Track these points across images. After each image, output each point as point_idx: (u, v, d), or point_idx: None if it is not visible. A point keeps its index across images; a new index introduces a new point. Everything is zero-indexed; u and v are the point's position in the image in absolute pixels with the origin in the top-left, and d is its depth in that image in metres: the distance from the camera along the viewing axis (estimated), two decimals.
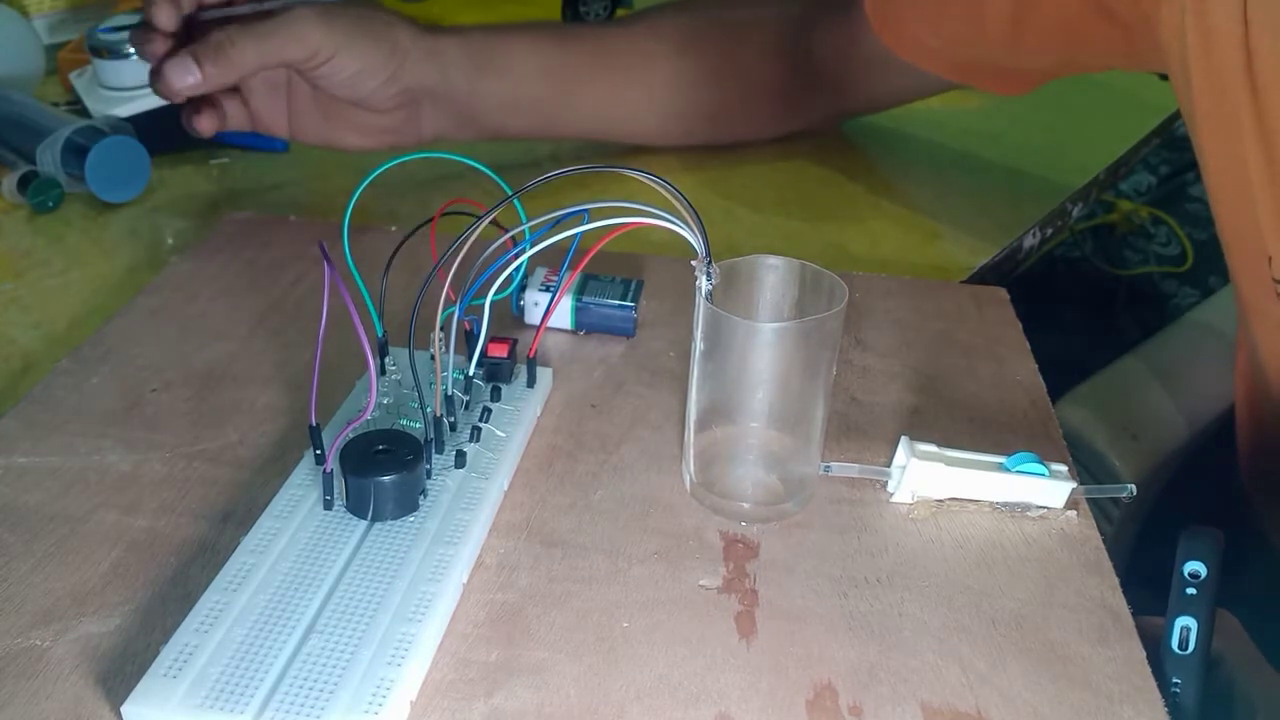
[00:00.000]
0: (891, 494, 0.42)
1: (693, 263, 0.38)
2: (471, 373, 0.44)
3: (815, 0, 0.72)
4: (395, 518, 0.38)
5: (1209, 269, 1.20)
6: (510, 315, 0.52)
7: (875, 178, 0.75)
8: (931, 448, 0.42)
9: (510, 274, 0.44)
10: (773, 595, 0.38)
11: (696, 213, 0.37)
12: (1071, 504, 0.42)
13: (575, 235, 0.42)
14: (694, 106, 0.71)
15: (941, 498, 0.42)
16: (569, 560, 0.39)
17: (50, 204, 0.66)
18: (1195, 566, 0.43)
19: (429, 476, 0.40)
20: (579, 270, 0.50)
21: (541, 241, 0.40)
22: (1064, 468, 0.42)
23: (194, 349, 0.50)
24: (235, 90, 0.61)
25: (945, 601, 0.38)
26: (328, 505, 0.38)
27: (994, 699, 0.34)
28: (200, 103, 0.59)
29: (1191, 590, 0.42)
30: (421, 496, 0.39)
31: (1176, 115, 0.84)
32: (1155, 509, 0.71)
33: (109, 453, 0.43)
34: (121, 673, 0.34)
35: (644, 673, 0.35)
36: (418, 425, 0.42)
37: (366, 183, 0.49)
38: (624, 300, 0.51)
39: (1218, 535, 0.43)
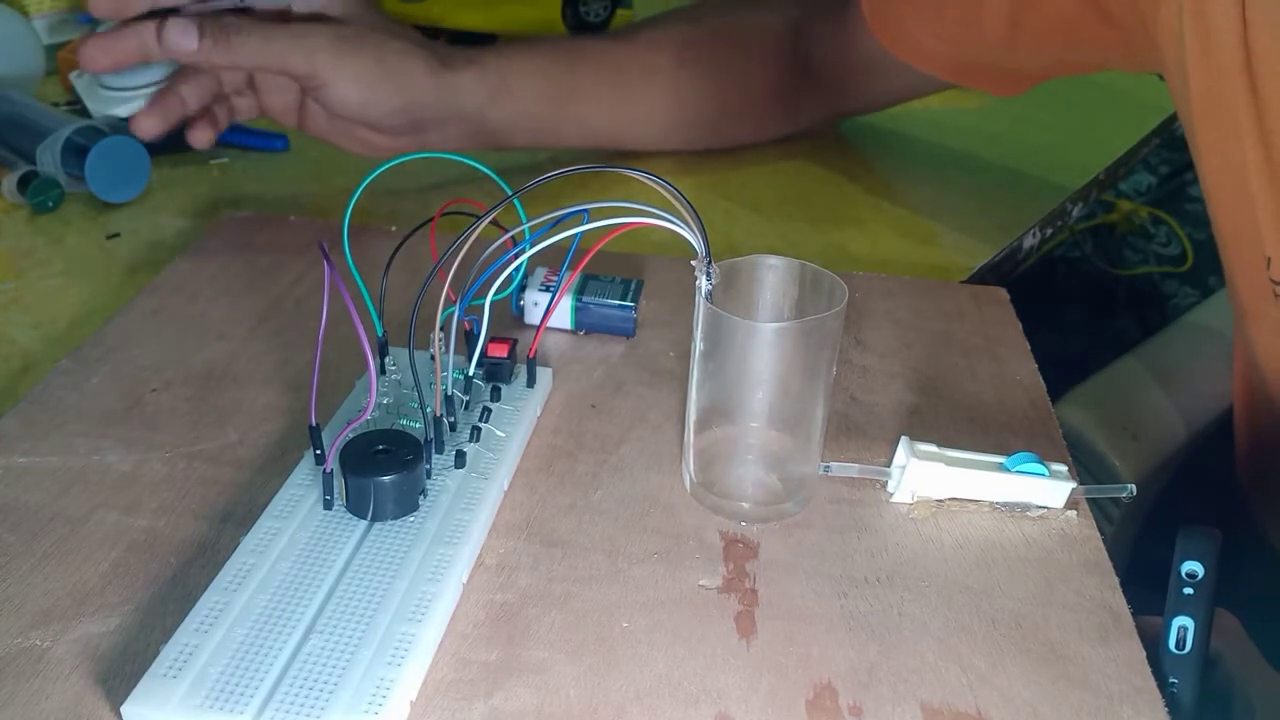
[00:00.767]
0: (891, 494, 0.42)
1: (693, 263, 0.38)
2: (471, 373, 0.44)
3: (812, 2, 0.72)
4: (395, 518, 0.38)
5: (1209, 269, 1.20)
6: (510, 315, 0.52)
7: (875, 178, 0.75)
8: (931, 448, 0.42)
9: (510, 274, 0.44)
10: (772, 595, 0.38)
11: (696, 213, 0.37)
12: (1071, 504, 0.42)
13: (575, 235, 0.42)
14: (696, 115, 0.71)
15: (941, 498, 0.42)
16: (569, 560, 0.39)
17: (50, 204, 0.66)
18: (1193, 566, 0.43)
19: (429, 476, 0.40)
20: (579, 270, 0.50)
21: (541, 241, 0.40)
22: (1064, 468, 0.42)
23: (194, 349, 0.50)
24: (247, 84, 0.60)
25: (945, 601, 0.38)
26: (328, 505, 0.38)
27: (994, 699, 0.34)
28: (197, 116, 0.59)
29: (1189, 590, 0.42)
30: (421, 496, 0.39)
31: (1176, 115, 0.84)
32: (1155, 509, 0.71)
33: (109, 453, 0.43)
34: (121, 673, 0.34)
35: (644, 673, 0.35)
36: (418, 425, 0.42)
37: (366, 182, 0.49)
38: (624, 300, 0.51)
39: (1215, 535, 0.43)
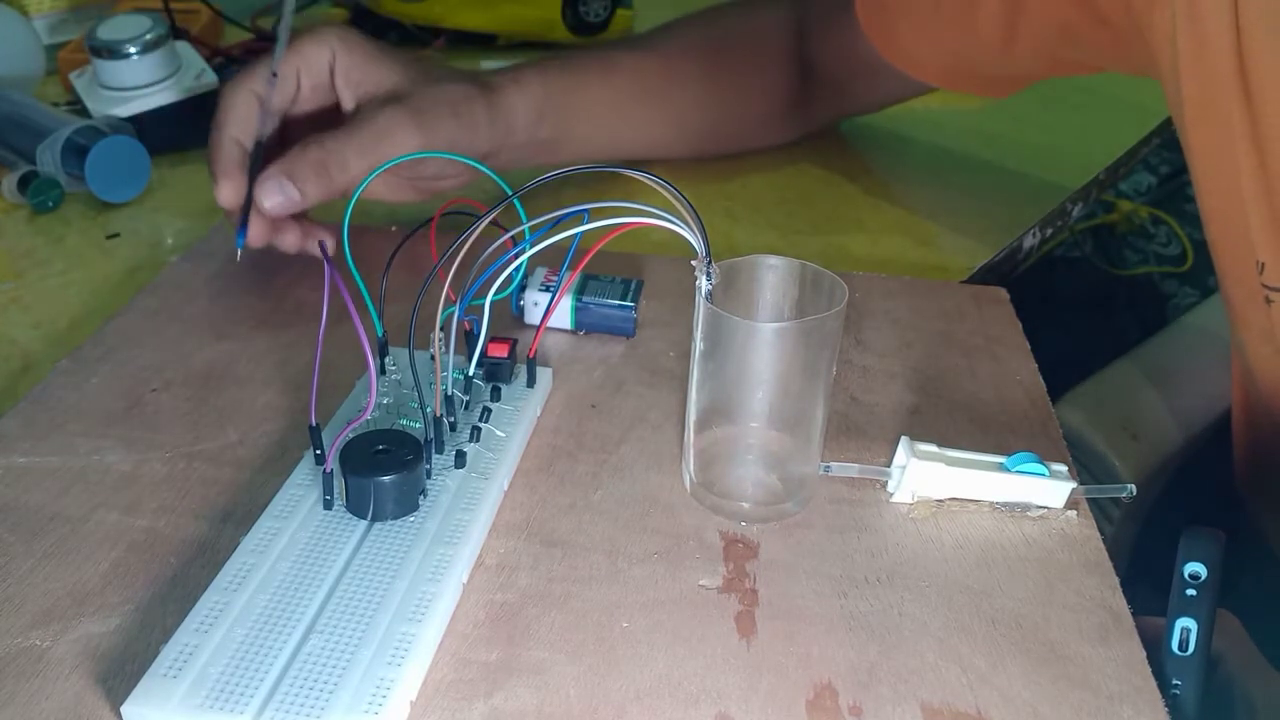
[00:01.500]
0: (891, 494, 0.42)
1: (693, 262, 0.38)
2: (471, 373, 0.44)
3: (808, 7, 0.72)
4: (395, 518, 0.38)
5: (1209, 269, 1.20)
6: (510, 315, 0.52)
7: (875, 178, 0.75)
8: (931, 447, 0.42)
9: (510, 274, 0.44)
10: (772, 595, 0.38)
11: (696, 212, 0.37)
12: (1071, 504, 0.42)
13: (575, 235, 0.42)
14: (722, 122, 0.72)
15: (941, 498, 0.42)
16: (569, 560, 0.39)
17: (50, 204, 0.66)
18: (1195, 567, 0.43)
19: (429, 476, 0.40)
20: (579, 270, 0.50)
21: (541, 241, 0.40)
22: (1064, 468, 0.42)
23: (194, 349, 0.50)
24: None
25: (945, 601, 0.38)
26: (328, 505, 0.38)
27: (994, 699, 0.34)
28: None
29: (1191, 591, 0.42)
30: (421, 496, 0.39)
31: None
32: (1155, 509, 0.71)
33: (109, 453, 0.43)
34: (121, 673, 0.34)
35: (644, 673, 0.35)
36: (417, 425, 0.42)
37: (366, 182, 0.49)
38: (624, 300, 0.51)
39: (1219, 536, 0.43)
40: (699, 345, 0.40)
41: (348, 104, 0.56)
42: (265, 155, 0.53)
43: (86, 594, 0.37)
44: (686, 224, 0.37)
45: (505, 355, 0.46)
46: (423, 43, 0.97)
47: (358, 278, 0.44)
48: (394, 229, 0.59)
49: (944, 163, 0.78)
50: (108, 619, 0.36)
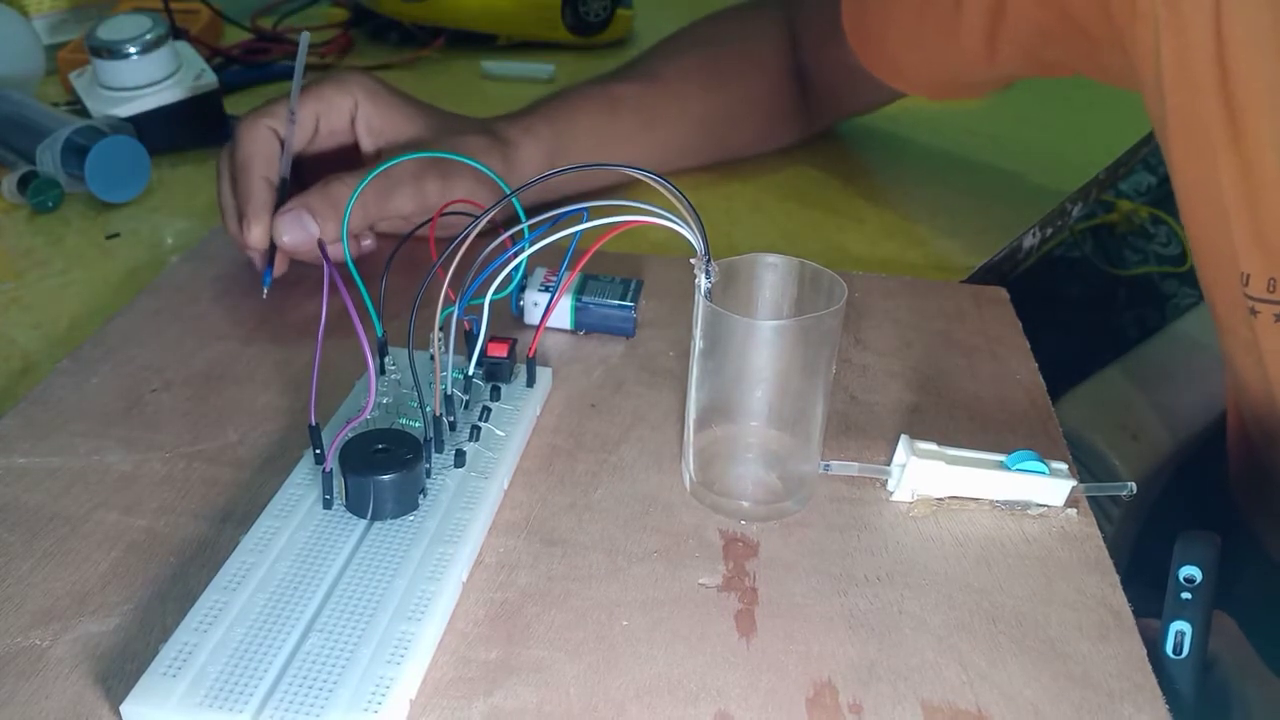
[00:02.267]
0: (891, 492, 0.42)
1: (692, 261, 0.38)
2: (471, 372, 0.44)
3: (798, 15, 0.72)
4: (395, 517, 0.38)
5: None
6: (510, 315, 0.52)
7: (875, 178, 0.75)
8: (931, 446, 0.42)
9: (509, 273, 0.44)
10: (772, 593, 0.38)
11: (695, 211, 0.37)
12: (1072, 502, 0.42)
13: (574, 234, 0.42)
14: (719, 140, 0.72)
15: (941, 496, 0.42)
16: (569, 559, 0.39)
17: (50, 204, 0.66)
18: (1191, 571, 0.42)
19: (428, 476, 0.40)
20: (578, 270, 0.50)
21: (540, 241, 0.40)
22: (1064, 466, 0.42)
23: (194, 349, 0.50)
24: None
25: (945, 599, 0.38)
26: (327, 504, 0.38)
27: (994, 696, 0.34)
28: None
29: (1186, 595, 0.42)
30: (421, 495, 0.39)
31: None
32: (1156, 508, 0.71)
33: (109, 453, 0.43)
34: (121, 672, 0.34)
35: (643, 671, 0.35)
36: (417, 425, 0.42)
37: (365, 182, 0.49)
38: (623, 300, 0.51)
39: (1214, 539, 0.43)
40: (698, 343, 0.40)
41: (368, 150, 0.57)
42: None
43: (86, 593, 0.37)
44: (686, 222, 0.37)
45: (505, 355, 0.46)
46: (422, 43, 0.97)
47: (357, 278, 0.44)
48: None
49: (944, 163, 0.78)
50: (107, 618, 0.36)
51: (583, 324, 0.52)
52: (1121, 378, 0.77)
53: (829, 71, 0.71)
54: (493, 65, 0.93)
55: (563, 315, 0.52)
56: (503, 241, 0.40)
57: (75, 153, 0.65)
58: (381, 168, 0.49)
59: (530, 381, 0.46)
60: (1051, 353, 0.54)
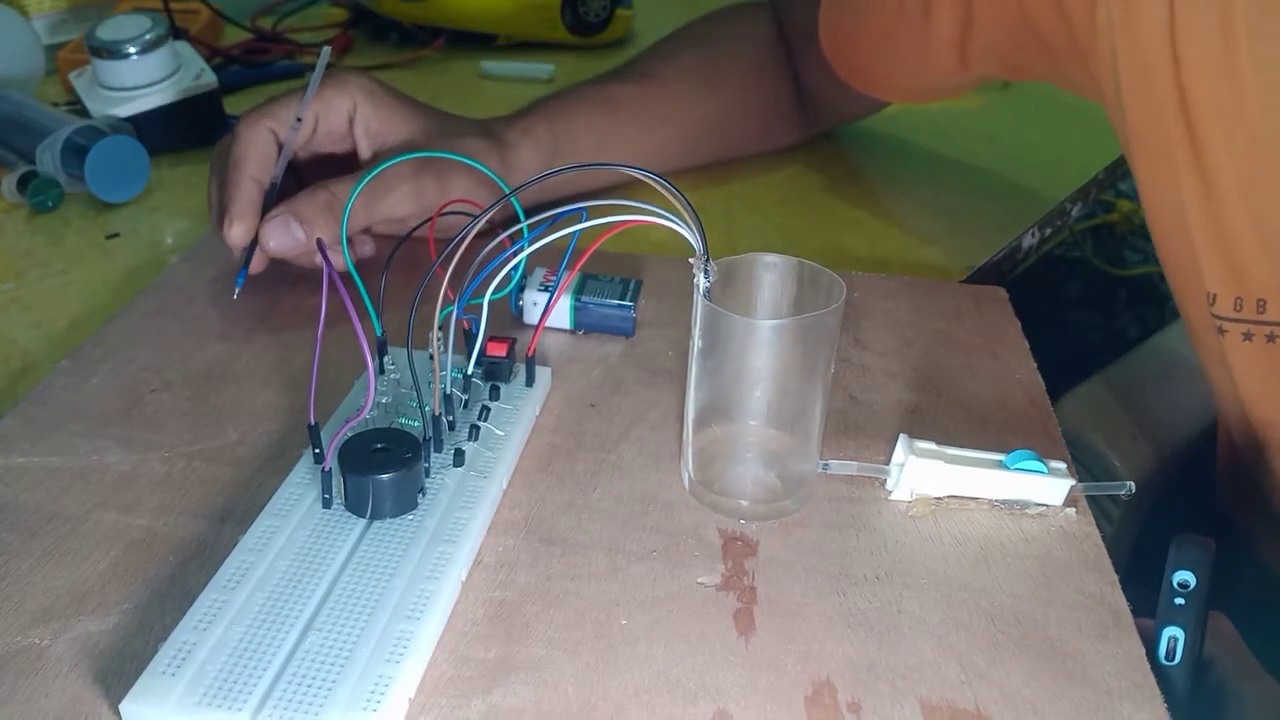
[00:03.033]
0: (890, 491, 0.42)
1: (691, 260, 0.38)
2: (470, 372, 0.44)
3: (787, 17, 0.73)
4: (394, 516, 0.38)
5: None
6: (509, 315, 0.52)
7: (874, 178, 0.76)
8: (930, 445, 0.42)
9: (509, 273, 0.44)
10: (771, 592, 0.38)
11: (695, 211, 0.37)
12: (1070, 501, 0.42)
13: (573, 234, 0.42)
14: (719, 140, 0.73)
15: (940, 495, 0.42)
16: (568, 558, 0.39)
17: (50, 204, 0.66)
18: (1184, 576, 0.42)
19: (428, 475, 0.40)
20: (577, 269, 0.50)
21: (539, 240, 0.40)
22: (1063, 465, 0.42)
23: (194, 349, 0.50)
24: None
25: (944, 598, 0.38)
26: (326, 504, 0.38)
27: (993, 695, 0.34)
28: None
29: (1180, 600, 0.42)
30: (420, 495, 0.39)
31: None
32: (1156, 508, 0.71)
33: (108, 453, 0.43)
34: (120, 671, 0.34)
35: (642, 670, 0.35)
36: (416, 424, 0.42)
37: (365, 182, 0.49)
38: (623, 300, 0.51)
39: (1209, 544, 0.43)
40: (697, 343, 0.40)
41: (364, 153, 0.57)
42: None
43: (85, 593, 0.37)
44: (685, 222, 0.37)
45: (504, 354, 0.46)
46: (422, 43, 0.97)
47: (356, 277, 0.44)
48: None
49: (943, 163, 0.78)
50: (106, 617, 0.36)
51: (582, 323, 0.52)
52: (1121, 378, 0.76)
53: (816, 78, 0.72)
54: (492, 65, 0.94)
55: (562, 315, 0.52)
56: (502, 241, 0.40)
57: (75, 153, 0.66)
58: (378, 169, 0.49)
59: (529, 381, 0.46)
60: (1051, 353, 0.54)
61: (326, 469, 0.38)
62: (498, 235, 0.40)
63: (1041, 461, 0.42)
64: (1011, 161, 0.78)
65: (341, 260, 0.50)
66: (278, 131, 0.54)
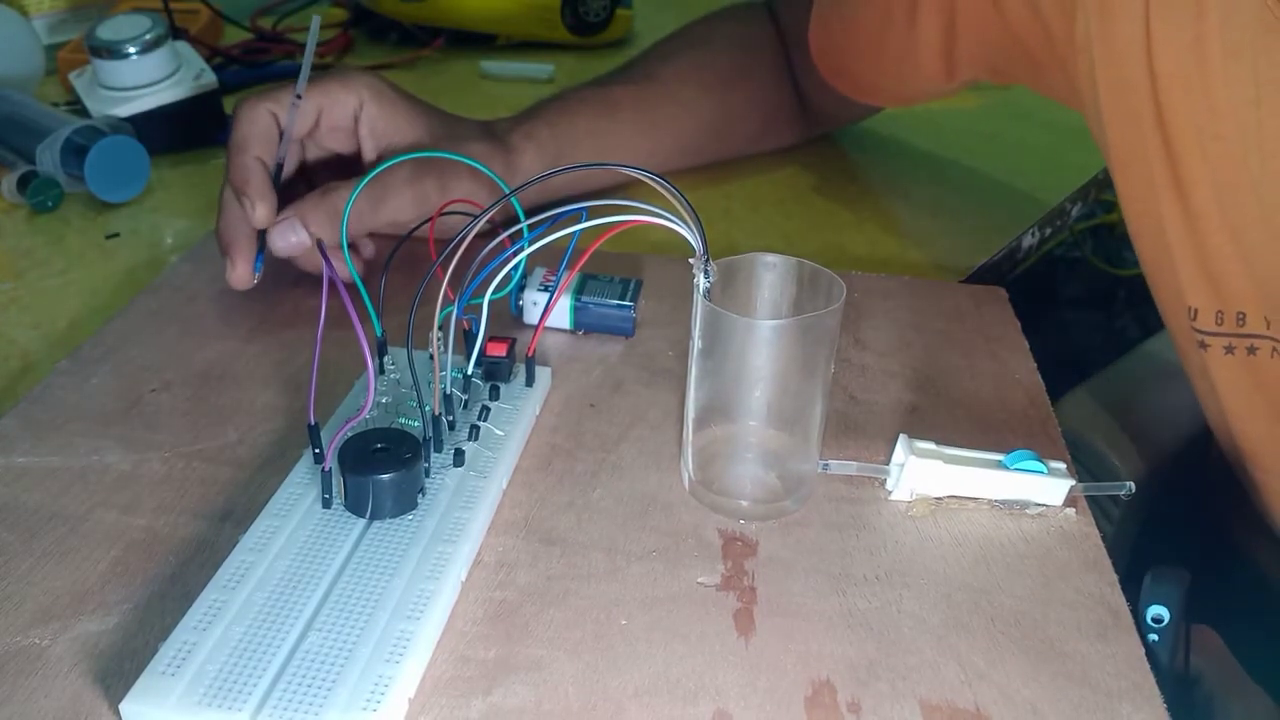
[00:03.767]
0: (890, 492, 0.42)
1: (691, 260, 0.38)
2: (470, 372, 0.44)
3: (783, 19, 0.73)
4: (394, 516, 0.38)
5: None
6: (509, 315, 0.52)
7: (873, 178, 0.76)
8: (930, 445, 0.42)
9: (509, 272, 0.44)
10: (771, 593, 0.38)
11: (694, 211, 0.37)
12: (1070, 501, 0.42)
13: (573, 234, 0.42)
14: (720, 141, 0.73)
15: (940, 495, 0.42)
16: (568, 558, 0.39)
17: (50, 204, 0.66)
18: (1159, 610, 0.42)
19: (428, 475, 0.40)
20: (577, 269, 0.50)
21: (539, 240, 0.40)
22: (1063, 465, 0.42)
23: (193, 349, 0.50)
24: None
25: (944, 599, 0.38)
26: (326, 504, 0.38)
27: (992, 695, 0.34)
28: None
29: (1153, 636, 0.42)
30: (420, 495, 0.39)
31: None
32: (1156, 508, 0.71)
33: (108, 453, 0.43)
34: (120, 670, 0.34)
35: (642, 670, 0.35)
36: (416, 424, 0.42)
37: (364, 182, 0.49)
38: (623, 300, 0.51)
39: (1183, 577, 0.42)
40: (697, 343, 0.40)
41: (369, 154, 0.57)
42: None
43: (85, 593, 0.37)
44: (685, 222, 0.37)
45: (504, 354, 0.46)
46: (422, 43, 0.97)
47: (356, 277, 0.45)
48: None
49: (943, 163, 0.78)
50: (106, 617, 0.36)
51: (582, 323, 0.52)
52: (1121, 378, 0.76)
53: (809, 82, 0.72)
54: (492, 65, 0.94)
55: (562, 315, 0.52)
56: (502, 241, 0.40)
57: (75, 153, 0.66)
58: (379, 169, 0.49)
59: (529, 381, 0.46)
60: (1051, 353, 0.54)
61: (326, 469, 0.38)
62: (498, 235, 0.40)
63: (1041, 462, 0.42)
64: (1011, 161, 0.78)
65: (344, 263, 0.50)
66: (278, 114, 0.53)
